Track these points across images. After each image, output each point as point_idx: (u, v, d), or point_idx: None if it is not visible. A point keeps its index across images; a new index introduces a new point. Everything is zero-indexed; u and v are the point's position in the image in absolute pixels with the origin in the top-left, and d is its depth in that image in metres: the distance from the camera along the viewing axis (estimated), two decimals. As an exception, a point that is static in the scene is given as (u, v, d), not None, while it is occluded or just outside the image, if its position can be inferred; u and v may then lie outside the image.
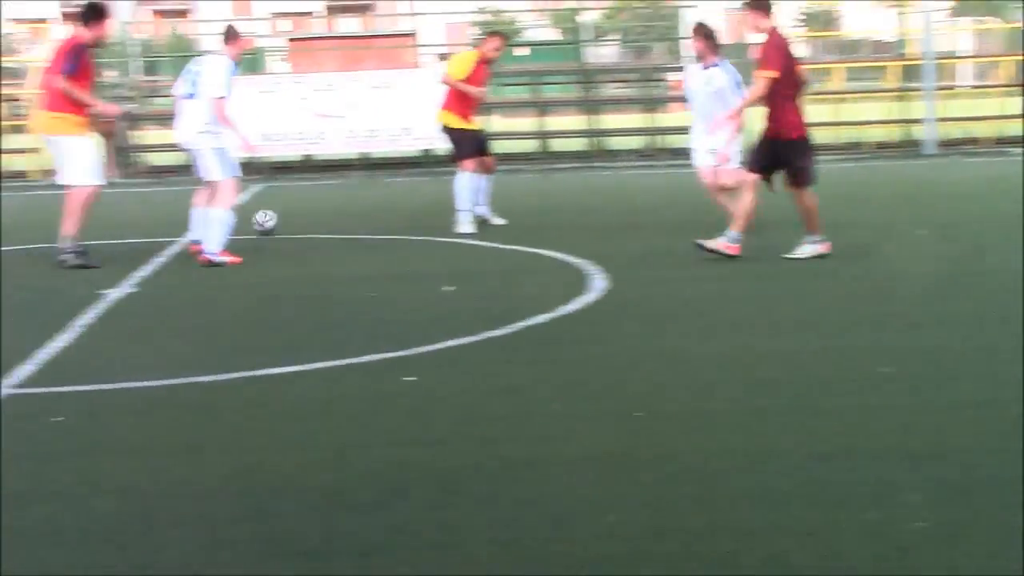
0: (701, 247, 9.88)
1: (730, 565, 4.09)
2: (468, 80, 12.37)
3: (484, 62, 12.53)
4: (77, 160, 10.61)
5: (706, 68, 11.09)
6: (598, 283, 9.32)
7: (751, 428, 5.59)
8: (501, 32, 13.42)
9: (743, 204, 9.87)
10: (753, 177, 9.91)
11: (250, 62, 23.26)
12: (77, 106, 10.55)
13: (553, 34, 46.64)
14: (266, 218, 12.62)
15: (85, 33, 10.55)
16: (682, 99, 11.67)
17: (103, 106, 11.72)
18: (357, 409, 6.13)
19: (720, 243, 9.84)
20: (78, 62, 10.46)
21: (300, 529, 4.49)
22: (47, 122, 10.63)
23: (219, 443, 5.62)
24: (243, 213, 11.37)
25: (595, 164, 20.80)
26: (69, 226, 10.58)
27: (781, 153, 9.83)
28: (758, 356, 6.96)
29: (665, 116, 23.54)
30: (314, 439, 5.63)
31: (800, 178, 9.88)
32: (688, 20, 34.86)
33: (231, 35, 10.87)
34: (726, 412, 5.88)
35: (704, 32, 11.14)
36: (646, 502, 4.67)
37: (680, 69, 31.99)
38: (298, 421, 5.95)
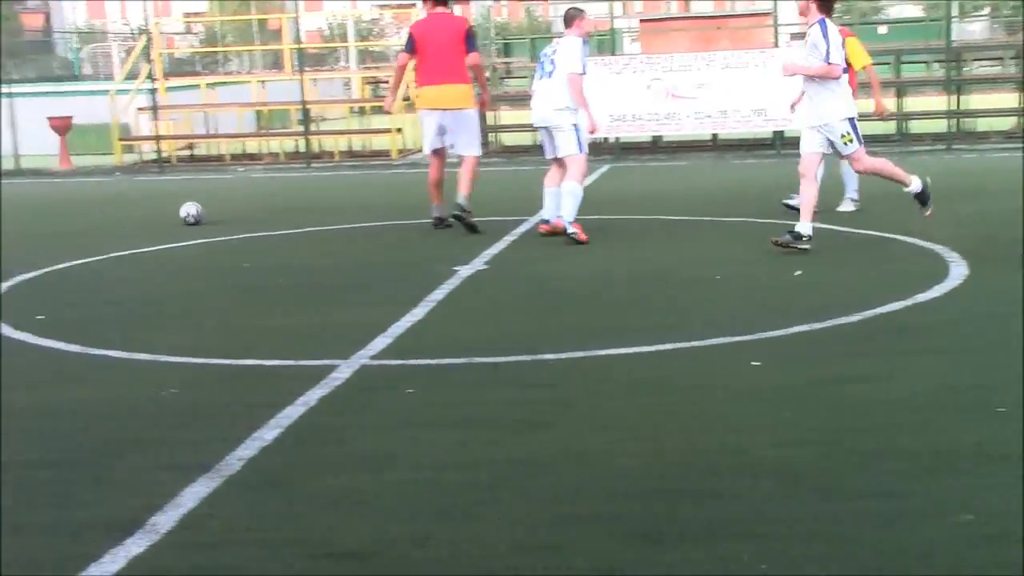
0: None
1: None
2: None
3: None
4: (474, 131, 11.73)
5: (809, 27, 9.83)
6: (956, 270, 8.88)
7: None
8: None
9: None
10: None
11: (604, 43, 23.52)
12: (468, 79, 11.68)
13: (916, 11, 44.92)
14: (193, 210, 13.10)
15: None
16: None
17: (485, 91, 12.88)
18: (699, 393, 6.04)
19: None
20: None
21: (635, 511, 4.47)
22: (460, 95, 11.55)
23: (557, 421, 5.66)
24: (590, 193, 11.48)
25: (957, 146, 19.87)
26: (465, 192, 11.51)
27: None
28: None
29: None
30: (652, 422, 5.59)
31: None
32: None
33: (573, 17, 11.22)
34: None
35: None
36: (1004, 506, 4.38)
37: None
38: (637, 403, 5.92)
